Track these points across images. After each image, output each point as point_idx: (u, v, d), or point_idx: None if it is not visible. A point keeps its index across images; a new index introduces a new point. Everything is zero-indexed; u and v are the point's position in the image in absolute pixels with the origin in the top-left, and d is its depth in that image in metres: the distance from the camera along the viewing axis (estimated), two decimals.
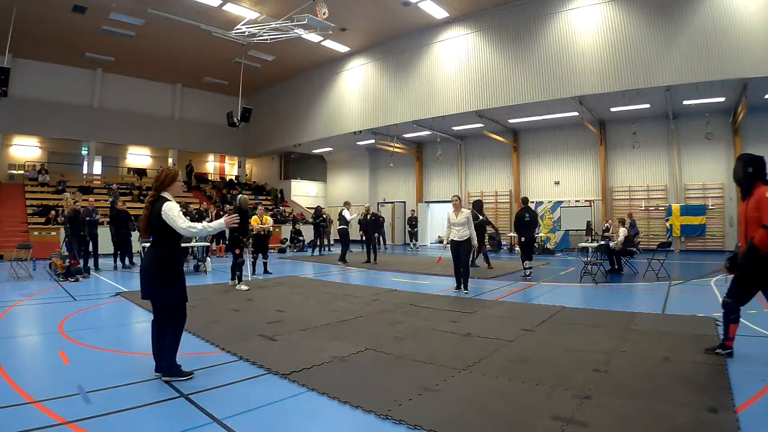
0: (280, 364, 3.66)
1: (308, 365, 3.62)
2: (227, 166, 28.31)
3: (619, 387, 3.15)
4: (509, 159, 18.30)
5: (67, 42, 16.66)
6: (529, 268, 9.38)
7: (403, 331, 4.82)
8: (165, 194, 3.46)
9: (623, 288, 8.05)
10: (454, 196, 7.70)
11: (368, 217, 12.66)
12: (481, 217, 10.36)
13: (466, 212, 7.37)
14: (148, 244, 10.15)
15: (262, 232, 9.52)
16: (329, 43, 17.15)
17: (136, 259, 11.69)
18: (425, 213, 20.88)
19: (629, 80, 12.12)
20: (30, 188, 17.47)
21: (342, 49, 17.92)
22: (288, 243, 18.11)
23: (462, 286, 7.47)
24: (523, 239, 9.50)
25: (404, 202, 21.61)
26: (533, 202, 17.20)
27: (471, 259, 9.13)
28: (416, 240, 18.66)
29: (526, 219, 9.47)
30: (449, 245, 7.56)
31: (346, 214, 12.44)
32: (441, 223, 20.89)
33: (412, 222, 18.88)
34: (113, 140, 21.65)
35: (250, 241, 8.69)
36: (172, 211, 3.36)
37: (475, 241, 7.46)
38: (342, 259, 12.39)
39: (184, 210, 14.34)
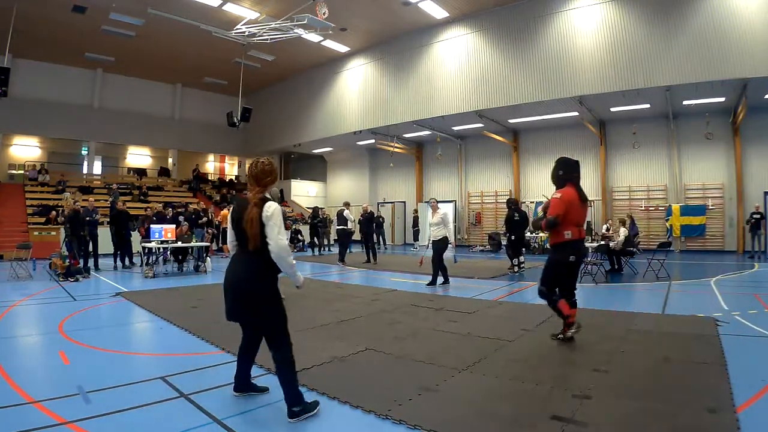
0: None
1: (308, 365, 3.62)
2: (227, 166, 28.32)
3: (619, 387, 3.15)
4: (509, 159, 18.29)
5: (67, 42, 16.66)
6: (522, 263, 9.98)
7: (403, 331, 4.82)
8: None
9: (623, 288, 8.05)
10: (431, 199, 8.43)
11: (366, 215, 12.69)
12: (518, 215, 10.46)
13: (441, 213, 7.97)
14: (148, 244, 10.19)
15: None
16: (329, 43, 17.14)
17: (136, 259, 11.69)
18: (425, 213, 20.87)
19: (629, 80, 12.12)
20: (30, 188, 17.47)
21: (342, 49, 17.91)
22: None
23: (433, 281, 8.03)
24: (513, 237, 10.02)
25: (404, 202, 21.61)
26: (533, 202, 17.32)
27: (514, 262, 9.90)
28: (417, 240, 18.62)
29: (515, 219, 10.01)
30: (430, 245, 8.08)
31: (347, 214, 12.47)
32: None
33: (414, 221, 18.85)
34: (113, 140, 21.65)
35: None
36: (276, 216, 2.68)
37: (451, 240, 7.95)
38: (341, 259, 12.35)
39: (194, 212, 14.34)
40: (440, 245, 7.87)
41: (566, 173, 4.29)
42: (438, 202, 8.50)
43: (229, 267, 2.80)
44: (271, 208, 2.67)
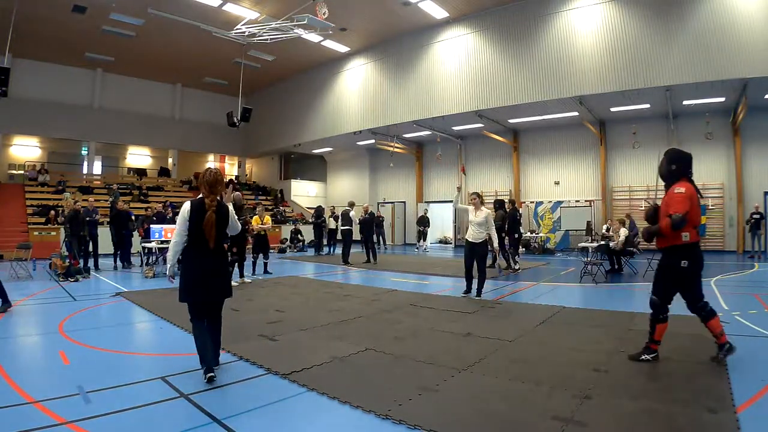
0: (280, 364, 3.66)
1: (308, 365, 3.62)
2: (227, 166, 28.32)
3: (619, 387, 3.15)
4: (509, 159, 18.29)
5: (67, 42, 16.66)
6: (517, 263, 10.21)
7: (403, 331, 4.82)
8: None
9: (623, 288, 8.05)
10: (473, 194, 6.98)
11: (366, 216, 12.69)
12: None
13: (486, 211, 6.72)
14: (148, 244, 10.18)
15: (261, 232, 9.61)
16: (329, 43, 17.15)
17: (135, 260, 11.67)
18: (432, 213, 20.75)
19: (629, 80, 12.11)
20: (30, 188, 17.48)
21: (342, 49, 17.92)
22: (288, 243, 18.08)
23: (475, 292, 6.81)
24: (516, 235, 10.17)
25: (404, 202, 21.60)
26: (533, 202, 17.32)
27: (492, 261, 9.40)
28: (424, 240, 18.34)
29: (517, 217, 10.29)
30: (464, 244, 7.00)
31: (352, 215, 12.53)
32: (441, 223, 20.92)
33: (424, 221, 18.52)
34: (113, 140, 21.67)
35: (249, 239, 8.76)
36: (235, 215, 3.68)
37: (495, 244, 7.05)
38: (345, 260, 12.29)
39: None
40: (484, 249, 6.80)
41: (680, 167, 3.70)
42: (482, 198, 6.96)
43: (200, 263, 3.38)
44: (233, 210, 3.64)
